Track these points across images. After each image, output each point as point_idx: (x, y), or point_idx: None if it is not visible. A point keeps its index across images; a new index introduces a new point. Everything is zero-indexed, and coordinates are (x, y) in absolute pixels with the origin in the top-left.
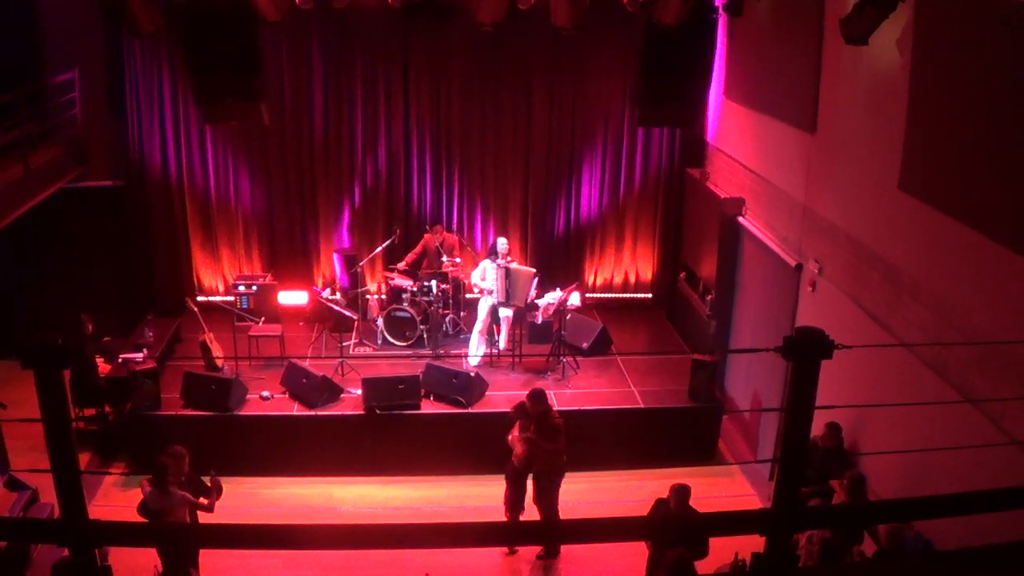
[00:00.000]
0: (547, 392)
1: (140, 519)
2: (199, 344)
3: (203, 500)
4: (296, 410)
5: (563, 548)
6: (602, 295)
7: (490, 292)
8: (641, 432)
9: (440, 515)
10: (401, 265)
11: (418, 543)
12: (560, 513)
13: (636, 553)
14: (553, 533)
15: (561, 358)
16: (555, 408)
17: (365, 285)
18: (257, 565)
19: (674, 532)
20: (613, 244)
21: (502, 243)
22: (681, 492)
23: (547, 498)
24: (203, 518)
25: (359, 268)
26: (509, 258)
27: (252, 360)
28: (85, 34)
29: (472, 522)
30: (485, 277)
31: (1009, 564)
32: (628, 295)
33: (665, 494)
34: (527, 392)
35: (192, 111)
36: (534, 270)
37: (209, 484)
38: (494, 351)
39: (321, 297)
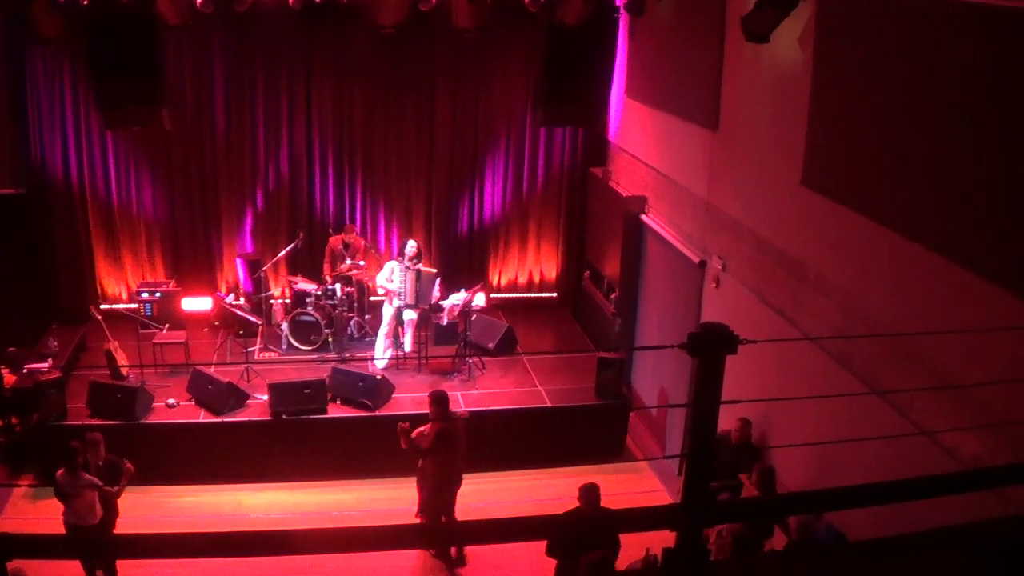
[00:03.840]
0: (448, 395)
1: (53, 530)
2: (104, 353)
3: (108, 488)
4: (203, 417)
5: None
6: (507, 295)
7: (397, 294)
8: (548, 431)
9: (350, 519)
10: (327, 279)
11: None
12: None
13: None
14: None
15: (467, 359)
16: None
17: (269, 290)
18: (173, 573)
19: (589, 530)
20: (517, 244)
21: (411, 245)
22: (590, 491)
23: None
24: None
25: (262, 273)
26: (416, 260)
27: (157, 368)
28: None
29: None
30: (392, 279)
31: (919, 553)
32: (533, 295)
33: (574, 492)
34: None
35: (94, 117)
36: (436, 270)
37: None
38: (400, 354)
39: (225, 303)
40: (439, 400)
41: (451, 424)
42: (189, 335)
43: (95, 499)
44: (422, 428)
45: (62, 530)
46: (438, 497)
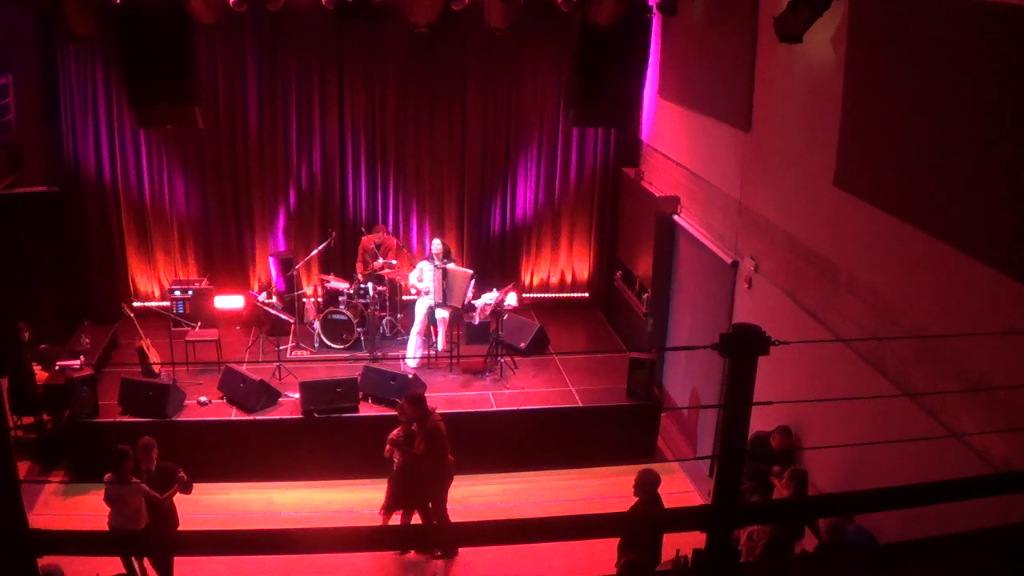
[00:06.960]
0: (423, 394)
1: (84, 527)
2: (136, 350)
3: (156, 495)
4: (234, 415)
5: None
6: (539, 295)
7: (427, 293)
8: (580, 431)
9: (379, 518)
10: (360, 277)
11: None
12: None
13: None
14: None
15: (499, 358)
16: (438, 411)
17: (301, 288)
18: (193, 571)
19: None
20: (549, 244)
21: (436, 244)
22: (646, 479)
23: (437, 505)
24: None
25: (295, 271)
26: (446, 259)
27: (189, 365)
28: (19, 39)
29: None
30: (423, 278)
31: (949, 555)
32: (565, 295)
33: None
34: (425, 395)
35: (127, 116)
36: (471, 271)
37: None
38: (432, 352)
39: (257, 301)
40: (417, 400)
41: (435, 423)
42: (221, 333)
43: (142, 505)
44: (398, 431)
45: (96, 528)
46: (437, 497)
